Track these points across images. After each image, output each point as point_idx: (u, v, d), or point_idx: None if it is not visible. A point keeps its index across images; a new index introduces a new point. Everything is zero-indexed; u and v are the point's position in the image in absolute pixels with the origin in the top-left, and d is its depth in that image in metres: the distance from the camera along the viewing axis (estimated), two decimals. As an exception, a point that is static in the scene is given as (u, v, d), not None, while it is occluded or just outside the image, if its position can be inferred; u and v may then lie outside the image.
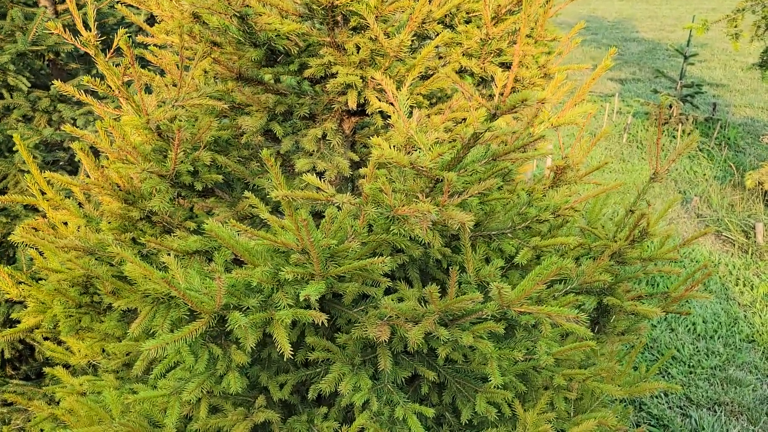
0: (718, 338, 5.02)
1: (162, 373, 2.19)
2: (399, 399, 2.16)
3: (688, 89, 9.36)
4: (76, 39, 1.85)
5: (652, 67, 12.89)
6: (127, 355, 2.73)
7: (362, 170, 2.10)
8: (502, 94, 1.52)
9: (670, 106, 9.28)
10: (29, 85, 3.78)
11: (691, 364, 4.74)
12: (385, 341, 1.92)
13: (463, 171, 1.77)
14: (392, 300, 1.97)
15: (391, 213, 1.71)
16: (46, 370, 3.02)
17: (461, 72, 2.45)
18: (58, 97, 3.99)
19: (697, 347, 4.93)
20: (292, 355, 1.83)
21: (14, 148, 3.69)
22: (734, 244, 6.32)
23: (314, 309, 1.96)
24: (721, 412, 4.26)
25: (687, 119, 9.15)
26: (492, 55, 2.37)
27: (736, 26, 6.72)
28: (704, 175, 7.89)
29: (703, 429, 4.11)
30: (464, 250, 2.02)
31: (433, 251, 2.11)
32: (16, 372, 4.25)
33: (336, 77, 2.16)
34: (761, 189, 6.95)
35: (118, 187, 2.31)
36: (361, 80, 2.09)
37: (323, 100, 2.48)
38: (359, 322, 2.05)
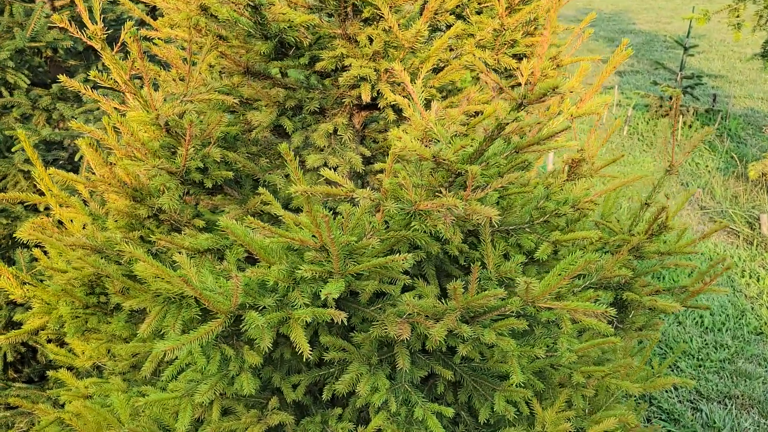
0: (726, 331, 4.99)
1: (173, 375, 2.14)
2: (418, 399, 2.11)
3: (689, 80, 9.33)
4: (82, 32, 1.79)
5: (650, 59, 12.85)
6: (134, 356, 2.68)
7: (377, 165, 2.05)
8: (528, 83, 1.47)
9: (671, 98, 9.25)
10: (29, 82, 3.71)
11: (700, 357, 4.71)
12: (404, 340, 1.87)
13: (484, 164, 1.72)
14: (412, 297, 1.92)
15: (413, 208, 1.66)
16: (50, 373, 2.97)
17: (474, 64, 2.39)
18: (58, 95, 3.92)
19: (705, 340, 4.89)
20: (310, 355, 1.78)
21: (13, 149, 3.62)
22: (739, 236, 6.29)
23: (331, 308, 1.91)
24: (731, 405, 4.23)
25: (687, 111, 9.12)
26: (506, 46, 2.31)
27: (738, 16, 6.67)
28: (706, 166, 7.85)
29: (715, 423, 4.08)
30: (484, 245, 1.97)
31: (451, 247, 2.06)
32: (19, 375, 4.19)
33: (348, 70, 2.10)
34: (765, 180, 6.93)
35: (126, 184, 2.25)
36: (374, 72, 2.03)
37: (333, 94, 2.42)
38: (377, 321, 2.00)
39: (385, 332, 1.91)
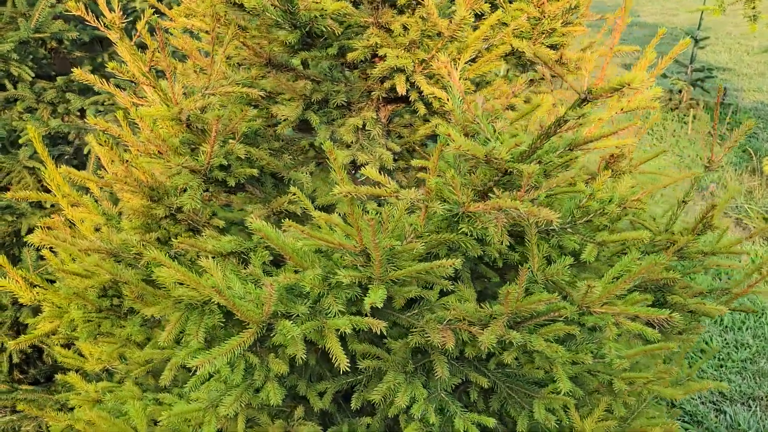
0: (747, 330, 4.88)
1: (196, 385, 2.02)
2: (456, 409, 1.99)
3: (699, 73, 9.20)
4: (98, 21, 1.67)
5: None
6: (148, 363, 2.55)
7: (414, 162, 1.92)
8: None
9: (680, 91, 9.12)
10: (33, 75, 3.58)
11: (721, 357, 4.60)
12: (444, 347, 1.75)
13: (536, 162, 1.60)
14: (456, 301, 1.80)
15: (461, 210, 1.54)
16: (59, 376, 2.86)
17: (510, 55, 2.27)
18: (63, 87, 3.79)
19: (725, 339, 4.79)
20: (347, 367, 1.67)
21: (20, 141, 3.49)
22: (755, 232, 6.17)
23: (367, 315, 1.80)
24: (756, 407, 4.13)
25: (697, 104, 8.99)
26: (543, 35, 2.19)
27: (754, 7, 6.54)
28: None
29: (739, 425, 3.97)
30: (529, 247, 1.85)
31: (491, 249, 1.94)
32: (25, 376, 4.06)
33: (383, 60, 1.97)
34: (779, 175, 6.81)
35: (142, 183, 2.12)
36: (412, 63, 1.90)
37: (360, 87, 2.30)
38: (415, 327, 1.88)
39: (427, 340, 1.79)
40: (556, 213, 1.35)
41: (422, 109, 2.25)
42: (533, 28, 2.11)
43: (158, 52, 1.65)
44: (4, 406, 3.85)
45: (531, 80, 2.75)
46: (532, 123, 2.34)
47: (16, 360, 3.83)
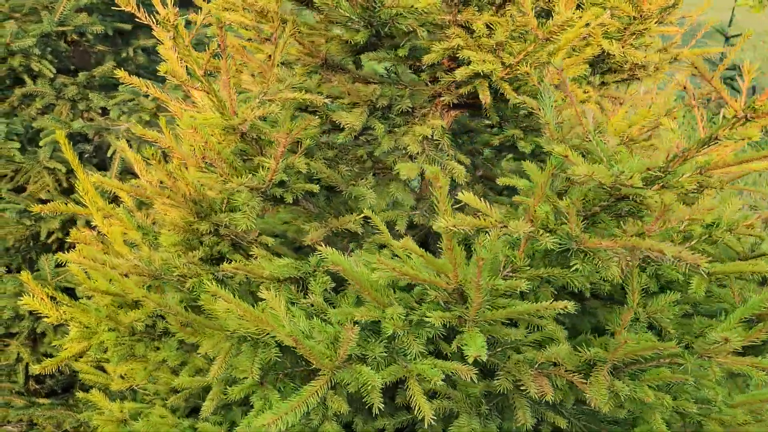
0: (795, 344, 4.65)
1: (249, 425, 1.81)
2: (537, 458, 1.78)
3: (730, 71, 8.92)
4: (151, 17, 1.44)
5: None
6: (185, 389, 2.33)
7: (500, 180, 1.69)
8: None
9: (709, 90, 8.85)
10: (54, 71, 3.35)
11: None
12: (543, 397, 1.54)
13: (659, 186, 1.37)
14: (551, 343, 1.58)
15: (576, 246, 1.31)
16: (80, 395, 2.66)
17: (596, 57, 2.04)
18: (85, 83, 3.56)
19: (773, 354, 4.56)
20: (432, 419, 1.46)
21: (40, 144, 3.27)
22: (796, 239, 5.93)
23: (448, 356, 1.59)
24: (812, 429, 3.90)
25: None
26: (634, 36, 1.96)
27: (796, 4, 6.29)
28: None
29: (796, 449, 3.75)
30: (629, 280, 1.63)
31: (584, 281, 1.72)
32: (41, 386, 3.86)
33: (459, 64, 1.75)
34: (818, 179, 6.56)
35: (185, 196, 1.90)
36: (500, 69, 1.67)
37: (424, 92, 2.07)
38: (500, 369, 1.66)
39: (518, 386, 1.58)
40: (704, 257, 1.13)
41: (495, 118, 2.02)
42: (625, 28, 1.88)
43: (219, 54, 1.43)
44: (20, 419, 3.66)
45: (602, 82, 2.52)
46: (610, 134, 2.11)
47: (32, 372, 3.63)
